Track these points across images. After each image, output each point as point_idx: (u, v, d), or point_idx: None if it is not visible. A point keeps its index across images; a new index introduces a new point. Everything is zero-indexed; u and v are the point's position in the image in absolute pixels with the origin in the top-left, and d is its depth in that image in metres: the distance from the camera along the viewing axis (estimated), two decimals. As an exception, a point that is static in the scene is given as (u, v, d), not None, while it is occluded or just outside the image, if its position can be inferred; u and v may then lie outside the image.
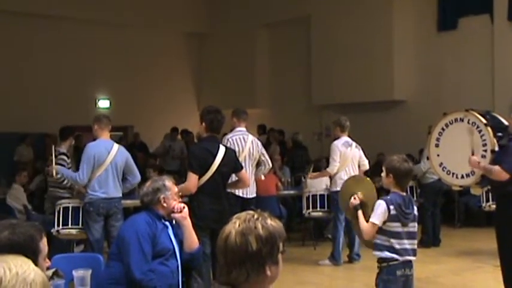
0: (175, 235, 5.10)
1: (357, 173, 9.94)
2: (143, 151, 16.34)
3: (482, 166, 7.57)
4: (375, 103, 16.24)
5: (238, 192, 8.10)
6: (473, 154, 7.63)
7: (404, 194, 5.39)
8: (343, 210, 6.59)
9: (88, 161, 8.01)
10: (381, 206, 5.26)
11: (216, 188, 6.86)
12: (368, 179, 6.27)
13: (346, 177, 9.64)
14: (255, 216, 2.67)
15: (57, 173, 8.67)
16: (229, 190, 7.39)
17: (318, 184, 11.15)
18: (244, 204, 8.12)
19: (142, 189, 5.33)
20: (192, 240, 5.14)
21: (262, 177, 9.18)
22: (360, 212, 5.47)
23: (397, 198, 5.30)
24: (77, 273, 4.40)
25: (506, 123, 7.96)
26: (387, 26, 15.98)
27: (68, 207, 8.85)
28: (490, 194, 11.21)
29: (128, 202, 9.42)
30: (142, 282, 4.71)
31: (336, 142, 9.98)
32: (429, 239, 11.36)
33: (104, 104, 18.79)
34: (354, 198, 5.57)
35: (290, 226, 11.92)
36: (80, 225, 8.70)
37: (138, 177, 8.47)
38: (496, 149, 7.61)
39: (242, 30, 19.09)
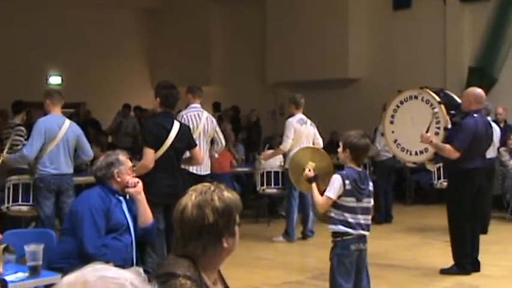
0: (129, 210, 5.05)
1: (311, 150, 9.97)
2: (95, 128, 16.15)
3: (434, 143, 7.67)
4: (330, 81, 16.28)
5: (193, 169, 8.05)
6: (427, 132, 7.71)
7: (360, 169, 5.42)
8: (294, 183, 6.57)
9: (38, 135, 7.86)
10: (337, 180, 5.28)
11: (170, 163, 6.81)
12: (317, 148, 6.26)
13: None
14: (212, 189, 2.65)
15: (4, 162, 8.48)
16: (182, 166, 7.34)
17: (272, 161, 11.16)
18: (198, 181, 8.00)
19: (95, 164, 5.25)
20: (146, 215, 5.10)
21: (216, 156, 9.14)
22: (314, 185, 5.48)
23: (352, 173, 5.33)
24: (28, 248, 4.32)
25: (459, 101, 8.08)
26: (342, 4, 16.00)
27: (18, 183, 8.70)
28: (441, 172, 11.38)
29: (80, 179, 9.32)
30: (96, 256, 4.65)
31: (290, 119, 9.99)
32: (381, 216, 11.49)
33: (55, 80, 18.48)
34: (309, 170, 5.57)
35: (244, 203, 11.79)
36: (31, 202, 8.57)
37: (91, 154, 8.36)
38: (449, 126, 7.72)
39: (197, 7, 18.93)
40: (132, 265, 4.88)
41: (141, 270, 1.54)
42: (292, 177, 6.29)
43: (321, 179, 5.53)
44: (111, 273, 1.47)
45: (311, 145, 9.91)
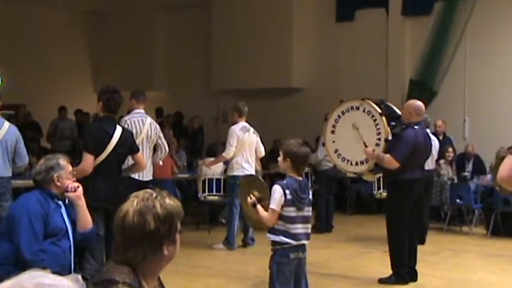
0: (69, 215, 4.97)
1: (253, 158, 9.99)
2: (35, 130, 15.88)
3: (375, 154, 7.78)
4: (273, 90, 16.37)
5: (134, 175, 7.96)
6: (366, 146, 7.84)
7: (300, 178, 5.44)
8: (248, 220, 6.62)
9: (-24, 138, 7.66)
10: (277, 190, 5.29)
11: (111, 169, 6.73)
12: (256, 177, 6.28)
13: (243, 163, 9.75)
14: (153, 195, 2.63)
15: None
16: (125, 174, 7.27)
17: (214, 168, 11.15)
18: (140, 187, 7.95)
19: (35, 167, 5.15)
20: (86, 220, 5.03)
21: (160, 163, 9.08)
22: (259, 206, 5.47)
23: (293, 182, 5.34)
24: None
25: (399, 112, 8.21)
26: (287, 14, 16.12)
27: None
28: (381, 182, 11.53)
29: (19, 182, 9.12)
30: (33, 262, 4.55)
31: (233, 127, 9.99)
32: (322, 225, 11.58)
33: (-6, 81, 18.12)
34: (250, 198, 5.56)
35: (185, 210, 11.78)
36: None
37: (26, 159, 8.16)
38: (390, 137, 7.83)
39: (141, 11, 18.79)
40: (70, 271, 4.80)
41: (79, 277, 1.51)
42: (244, 209, 6.31)
43: (264, 201, 5.51)
44: (48, 281, 1.44)
45: (253, 153, 9.94)
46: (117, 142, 6.72)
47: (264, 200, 5.50)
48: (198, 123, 16.36)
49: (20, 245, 4.64)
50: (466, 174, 12.56)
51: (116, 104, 6.84)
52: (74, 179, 5.11)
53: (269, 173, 12.53)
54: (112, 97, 6.81)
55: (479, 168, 12.95)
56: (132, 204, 2.59)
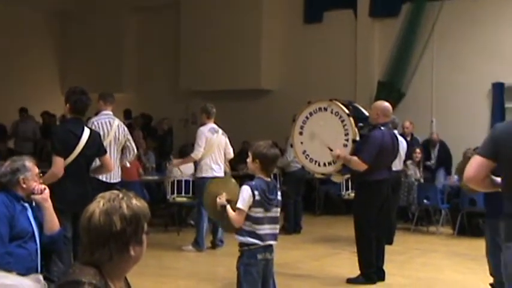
0: (35, 217, 4.93)
1: (222, 159, 9.99)
2: (0, 132, 15.73)
3: (343, 156, 7.83)
4: (242, 91, 16.39)
5: (102, 176, 7.90)
6: (331, 150, 7.90)
7: (269, 179, 5.45)
8: (209, 214, 6.61)
9: None
10: (246, 191, 5.29)
11: (79, 171, 6.68)
12: (229, 177, 6.27)
13: (211, 164, 9.75)
14: (120, 196, 2.62)
15: None
16: (92, 175, 7.22)
17: (184, 170, 11.14)
18: (108, 188, 7.86)
19: (0, 169, 5.10)
20: (53, 223, 4.98)
21: (128, 165, 9.03)
22: (228, 207, 5.46)
23: (261, 184, 5.36)
24: None
25: (367, 113, 8.27)
26: (256, 16, 16.16)
27: None
28: (349, 183, 11.60)
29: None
30: (-1, 265, 4.52)
31: (202, 128, 9.99)
32: (291, 226, 11.62)
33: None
34: (219, 199, 5.55)
35: (154, 212, 11.79)
36: None
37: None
38: (357, 138, 7.88)
39: (110, 12, 18.67)
40: (36, 274, 4.76)
41: (40, 277, 1.52)
42: (207, 209, 6.29)
43: (233, 203, 5.50)
44: (9, 281, 1.44)
45: (222, 154, 9.95)
46: (85, 144, 6.67)
47: (233, 201, 5.50)
48: (168, 125, 16.32)
49: (-15, 247, 4.59)
50: (431, 163, 12.59)
51: (84, 105, 6.79)
52: (41, 181, 5.07)
53: (238, 175, 12.52)
54: (79, 99, 6.76)
55: (444, 156, 13.10)
56: (99, 205, 2.58)
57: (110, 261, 2.54)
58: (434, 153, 13.26)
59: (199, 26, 16.91)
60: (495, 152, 4.00)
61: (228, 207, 5.44)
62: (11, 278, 1.44)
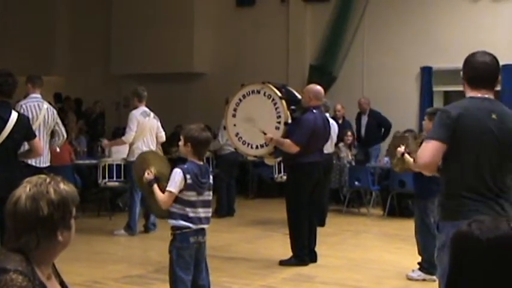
0: (-40, 203, 4.80)
1: (154, 143, 9.92)
2: None
3: (274, 140, 7.88)
4: (175, 74, 16.28)
5: (31, 161, 7.76)
6: (265, 134, 7.95)
7: (201, 163, 5.44)
8: (138, 187, 6.55)
9: None
10: (177, 174, 5.27)
11: (6, 155, 6.54)
12: (160, 153, 6.23)
13: (143, 147, 9.67)
14: (47, 181, 2.57)
15: None
16: (21, 159, 7.08)
17: (116, 154, 11.05)
18: (37, 173, 7.75)
19: None
20: (-21, 208, 4.86)
21: (58, 150, 8.88)
22: (155, 186, 5.43)
23: (193, 167, 5.34)
24: None
25: (299, 96, 8.32)
26: (188, -2, 16.05)
27: None
28: (282, 166, 11.67)
29: None
30: None
31: (134, 111, 9.90)
32: (224, 209, 11.64)
33: None
34: (148, 174, 5.52)
35: (85, 196, 11.64)
36: None
37: None
38: (289, 121, 7.93)
39: (40, -6, 18.26)
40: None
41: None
42: (136, 181, 6.24)
43: (163, 181, 5.46)
44: None
45: (154, 138, 9.88)
46: (13, 127, 6.53)
47: (162, 179, 5.46)
48: (100, 108, 16.11)
49: None
50: (347, 136, 12.49)
51: (10, 87, 6.64)
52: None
53: (171, 158, 12.46)
54: (5, 81, 6.61)
55: (376, 124, 13.20)
56: (25, 189, 2.53)
57: (37, 247, 2.49)
58: (364, 120, 13.34)
59: (130, 7, 16.70)
60: (449, 136, 4.01)
61: (156, 187, 5.40)
62: None
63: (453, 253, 2.15)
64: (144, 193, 6.15)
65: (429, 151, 4.03)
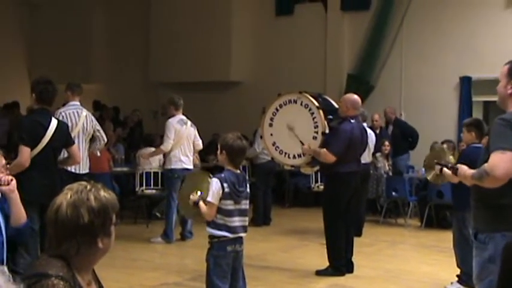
0: (1, 209, 4.86)
1: (191, 151, 9.97)
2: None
3: (312, 150, 7.85)
4: (212, 83, 16.35)
5: (70, 168, 7.85)
6: (302, 144, 7.93)
7: (237, 171, 5.45)
8: (183, 213, 6.59)
9: None
10: (215, 184, 5.29)
11: (46, 162, 6.62)
12: (204, 173, 6.20)
13: (180, 156, 9.72)
14: (88, 188, 2.60)
15: None
16: (60, 166, 7.17)
17: (151, 161, 11.11)
18: (77, 180, 7.84)
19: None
20: (20, 214, 4.92)
21: (98, 154, 8.97)
22: (201, 203, 5.45)
23: (230, 176, 5.35)
24: None
25: (336, 106, 8.29)
26: (226, 7, 16.11)
27: None
28: (319, 175, 11.64)
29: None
30: (-37, 258, 4.46)
31: (171, 120, 9.95)
32: (260, 218, 11.63)
33: None
34: (193, 196, 5.54)
35: (123, 204, 11.71)
36: None
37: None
38: (327, 131, 7.91)
39: (79, 2, 18.47)
40: (2, 266, 4.71)
41: (5, 269, 1.49)
42: (182, 208, 6.27)
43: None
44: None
45: (191, 146, 9.92)
46: (53, 135, 6.62)
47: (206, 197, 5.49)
48: (137, 116, 16.22)
49: (-50, 239, 4.52)
50: (385, 146, 12.32)
51: (50, 95, 6.73)
52: (8, 172, 5.01)
53: (208, 166, 12.51)
54: (45, 88, 6.70)
55: (401, 135, 13.01)
56: (66, 196, 2.56)
57: (78, 254, 2.52)
58: (388, 135, 13.12)
59: (168, 15, 16.82)
60: None
61: (201, 203, 5.42)
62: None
63: (506, 265, 2.10)
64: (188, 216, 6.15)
65: (507, 163, 3.75)
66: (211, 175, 5.69)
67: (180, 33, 16.46)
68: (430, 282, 7.81)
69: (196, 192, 5.54)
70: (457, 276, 7.36)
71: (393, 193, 11.91)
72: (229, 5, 16.11)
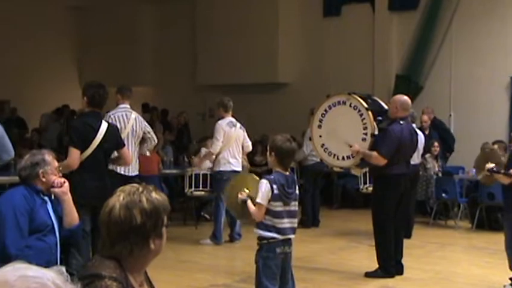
0: (55, 210, 4.96)
1: (240, 153, 9.99)
2: (20, 127, 15.81)
3: (362, 152, 7.80)
4: (260, 85, 16.37)
5: (121, 169, 7.95)
6: (350, 147, 7.89)
7: (287, 173, 5.45)
8: (230, 210, 6.62)
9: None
10: (264, 185, 5.30)
11: (97, 164, 6.72)
12: (251, 175, 6.25)
13: (229, 158, 9.75)
14: (140, 189, 2.63)
15: None
16: (110, 167, 7.26)
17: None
18: (127, 182, 7.86)
19: (20, 163, 5.13)
20: (72, 216, 5.01)
21: (148, 154, 9.06)
22: (249, 202, 5.47)
23: (280, 177, 5.36)
24: None
25: (385, 107, 8.23)
26: (273, 8, 16.11)
27: None
28: (367, 176, 11.56)
29: (4, 178, 9.10)
30: (18, 258, 4.49)
31: (220, 122, 9.99)
32: (309, 220, 11.60)
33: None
34: (241, 194, 5.56)
35: (172, 205, 11.74)
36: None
37: (12, 153, 8.10)
38: (376, 132, 7.85)
39: (126, 6, 18.65)
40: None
41: (63, 269, 1.52)
42: (229, 205, 6.30)
43: (254, 199, 5.50)
44: (32, 273, 1.44)
45: (240, 148, 9.94)
46: (103, 137, 6.71)
47: (254, 197, 5.51)
48: (185, 119, 16.34)
49: (5, 241, 4.61)
50: (434, 147, 12.13)
51: (101, 98, 6.83)
52: (60, 174, 5.10)
53: (255, 169, 12.53)
54: (97, 92, 6.80)
55: (438, 133, 12.77)
56: (119, 198, 2.59)
57: (130, 255, 2.55)
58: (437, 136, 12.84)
59: (215, 18, 16.89)
60: None
61: (249, 202, 5.45)
62: (34, 270, 1.44)
63: None
64: (238, 217, 6.17)
65: None
66: (256, 176, 5.72)
67: (227, 35, 16.52)
68: (481, 285, 7.70)
69: (244, 191, 5.57)
70: (510, 279, 7.24)
71: (443, 194, 11.76)
72: (277, 6, 16.10)
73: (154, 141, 8.72)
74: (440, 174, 12.17)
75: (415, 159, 9.79)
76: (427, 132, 12.24)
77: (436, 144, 12.24)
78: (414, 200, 10.92)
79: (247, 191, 5.58)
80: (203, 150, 11.38)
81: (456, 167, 13.11)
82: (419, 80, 14.49)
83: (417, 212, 11.72)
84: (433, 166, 12.09)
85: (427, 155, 11.94)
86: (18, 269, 1.45)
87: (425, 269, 8.51)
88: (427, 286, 7.71)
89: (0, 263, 4.31)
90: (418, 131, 9.63)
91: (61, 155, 7.19)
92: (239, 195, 5.57)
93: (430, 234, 11.09)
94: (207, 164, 11.00)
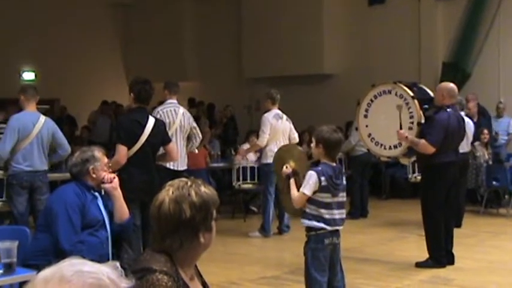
0: (105, 206, 5.03)
1: (287, 145, 10.00)
2: (70, 124, 16.04)
3: (409, 139, 7.74)
4: (305, 76, 16.33)
5: (169, 164, 8.02)
6: (401, 128, 7.79)
7: (334, 164, 5.44)
8: (278, 181, 6.63)
9: (11, 133, 7.73)
10: (312, 177, 5.29)
11: (145, 159, 6.79)
12: (299, 147, 6.28)
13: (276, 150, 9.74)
14: (189, 184, 2.66)
15: None
16: (158, 163, 7.33)
17: (248, 156, 11.23)
18: (175, 176, 7.92)
19: (71, 160, 5.22)
20: (123, 211, 5.08)
21: (196, 151, 9.12)
22: (292, 181, 5.48)
23: (328, 169, 5.34)
24: (2, 245, 4.27)
25: (432, 94, 8.14)
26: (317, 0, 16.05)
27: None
28: (416, 166, 11.45)
29: (55, 175, 9.25)
30: (72, 253, 4.61)
31: (266, 114, 10.00)
32: (357, 210, 11.55)
33: (28, 76, 18.27)
34: (286, 167, 5.58)
35: (220, 199, 11.80)
36: (3, 198, 8.49)
37: (68, 149, 8.26)
38: (422, 121, 7.78)
39: (170, 1, 18.81)
40: (108, 261, 4.86)
41: (117, 264, 1.54)
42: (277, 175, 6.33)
43: (298, 175, 5.52)
44: (87, 268, 1.47)
45: (287, 140, 9.93)
46: (150, 133, 6.78)
47: (299, 173, 5.50)
48: (231, 112, 16.40)
49: (58, 236, 4.71)
50: (484, 135, 11.92)
51: (147, 94, 6.90)
52: (110, 170, 5.17)
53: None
54: (143, 88, 6.88)
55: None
56: (168, 193, 2.62)
57: (180, 249, 2.58)
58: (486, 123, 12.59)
59: (260, 11, 16.90)
60: None
61: (292, 181, 5.45)
62: (89, 265, 1.47)
63: None
64: (281, 187, 6.19)
65: None
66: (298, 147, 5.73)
67: (272, 27, 16.52)
68: (536, 274, 7.58)
69: (290, 164, 5.57)
70: None
71: (494, 182, 11.60)
72: (321, -4, 16.03)
73: (199, 137, 8.78)
74: (490, 162, 11.99)
75: (464, 147, 9.66)
76: (475, 119, 12.07)
77: (485, 131, 12.06)
78: (464, 189, 10.79)
79: (292, 164, 5.59)
80: (244, 146, 11.45)
81: (507, 154, 12.91)
82: (467, 67, 14.28)
83: (468, 200, 11.58)
84: (483, 154, 11.91)
85: (476, 143, 11.77)
86: (74, 265, 1.48)
87: (477, 259, 8.40)
88: (480, 275, 7.61)
89: (55, 258, 4.41)
90: (467, 119, 9.50)
91: (111, 150, 7.29)
92: (284, 169, 5.58)
93: (481, 223, 10.95)
94: (251, 156, 11.03)
